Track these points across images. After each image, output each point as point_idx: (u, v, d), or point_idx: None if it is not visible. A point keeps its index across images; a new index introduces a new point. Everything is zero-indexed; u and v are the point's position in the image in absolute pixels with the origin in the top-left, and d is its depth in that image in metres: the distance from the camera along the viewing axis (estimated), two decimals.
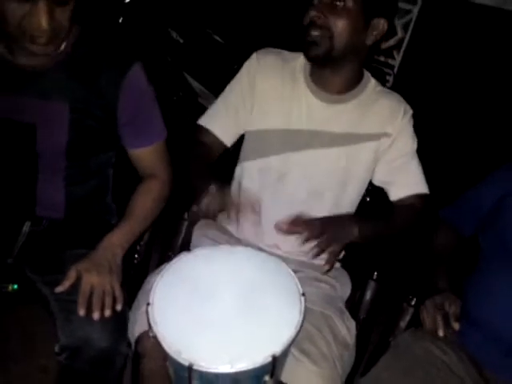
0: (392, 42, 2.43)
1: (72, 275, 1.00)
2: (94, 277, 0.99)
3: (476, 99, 2.14)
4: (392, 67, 2.46)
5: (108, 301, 0.98)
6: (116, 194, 1.29)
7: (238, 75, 1.24)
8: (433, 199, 1.26)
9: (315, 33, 1.07)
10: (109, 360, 0.98)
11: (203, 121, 1.24)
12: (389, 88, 2.41)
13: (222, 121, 1.23)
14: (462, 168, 2.04)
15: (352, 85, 1.18)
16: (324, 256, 1.04)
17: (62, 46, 1.02)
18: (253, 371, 0.80)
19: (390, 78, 2.45)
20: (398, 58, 2.44)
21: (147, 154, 1.16)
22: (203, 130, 1.23)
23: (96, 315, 0.95)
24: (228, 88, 1.25)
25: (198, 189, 1.03)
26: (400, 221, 1.21)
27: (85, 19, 1.06)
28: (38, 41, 0.92)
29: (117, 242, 1.09)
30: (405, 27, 2.39)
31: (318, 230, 1.02)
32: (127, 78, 1.06)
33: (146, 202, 1.16)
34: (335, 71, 1.15)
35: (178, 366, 0.83)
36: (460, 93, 2.18)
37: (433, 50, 2.27)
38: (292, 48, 1.25)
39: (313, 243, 1.02)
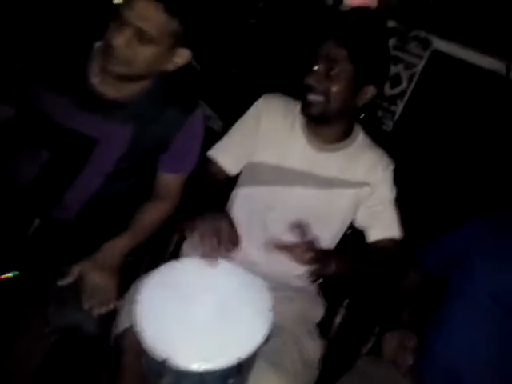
0: (397, 90, 2.59)
1: (75, 272, 1.12)
2: (97, 276, 1.12)
3: (464, 154, 2.28)
4: (394, 113, 2.60)
5: (106, 299, 1.10)
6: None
7: (246, 113, 1.37)
8: (406, 242, 1.37)
9: (312, 97, 1.21)
10: (94, 345, 1.09)
11: (211, 153, 1.37)
12: (388, 132, 2.56)
13: (226, 153, 1.36)
14: (446, 213, 2.14)
15: (342, 137, 1.32)
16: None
17: (141, 87, 1.17)
18: (218, 372, 0.90)
19: (390, 124, 2.60)
20: (401, 105, 2.59)
21: (172, 180, 1.30)
22: (210, 161, 1.36)
23: (96, 311, 1.08)
24: (236, 124, 1.38)
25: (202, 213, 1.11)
26: (373, 261, 1.32)
27: None
28: (111, 56, 1.05)
29: (120, 246, 1.21)
30: (410, 79, 2.55)
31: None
32: (188, 121, 1.21)
33: (154, 219, 1.29)
34: (327, 126, 1.29)
35: (152, 360, 0.92)
36: (451, 144, 2.32)
37: (433, 102, 2.42)
38: (291, 84, 1.38)
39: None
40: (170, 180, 1.30)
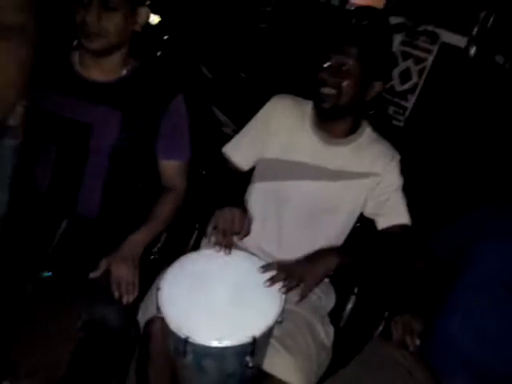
0: (407, 86, 2.63)
1: (103, 266, 1.25)
2: (122, 269, 1.24)
3: (477, 145, 2.31)
4: (405, 109, 2.65)
5: (130, 289, 1.23)
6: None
7: (259, 114, 1.47)
8: (418, 230, 1.43)
9: (325, 90, 1.29)
10: (120, 336, 1.20)
11: (226, 149, 1.48)
12: (400, 127, 2.60)
13: (239, 150, 1.46)
14: (458, 202, 2.17)
15: (350, 132, 1.40)
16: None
17: (124, 71, 1.33)
18: (236, 348, 1.00)
19: (402, 119, 2.64)
20: (412, 100, 2.63)
21: (172, 168, 1.42)
22: (225, 156, 1.48)
23: (125, 299, 1.21)
24: (249, 123, 1.48)
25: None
26: (383, 247, 1.37)
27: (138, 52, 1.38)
28: (88, 35, 1.21)
29: (140, 240, 1.33)
30: (420, 73, 2.59)
31: (284, 273, 1.15)
32: (171, 105, 1.34)
33: (165, 211, 1.40)
34: (337, 121, 1.37)
35: (176, 340, 1.03)
36: (463, 136, 2.35)
37: (444, 95, 2.45)
38: (300, 86, 1.49)
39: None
40: (169, 168, 1.41)
